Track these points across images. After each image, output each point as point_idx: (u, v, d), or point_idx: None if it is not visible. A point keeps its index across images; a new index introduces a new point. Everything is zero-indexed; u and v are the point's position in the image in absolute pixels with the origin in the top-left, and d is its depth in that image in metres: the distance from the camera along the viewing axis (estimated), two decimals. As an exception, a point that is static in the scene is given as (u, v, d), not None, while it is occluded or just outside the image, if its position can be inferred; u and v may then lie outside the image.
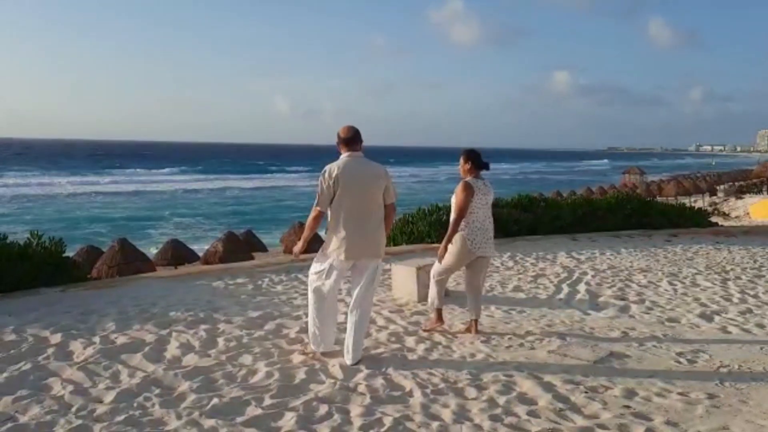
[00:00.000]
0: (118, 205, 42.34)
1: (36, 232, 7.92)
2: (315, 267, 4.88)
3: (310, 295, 4.92)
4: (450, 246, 5.45)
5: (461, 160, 5.54)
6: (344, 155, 4.78)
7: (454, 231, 5.40)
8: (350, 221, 4.68)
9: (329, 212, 4.75)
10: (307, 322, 5.11)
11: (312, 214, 4.79)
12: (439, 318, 5.68)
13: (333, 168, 4.69)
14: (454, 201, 5.44)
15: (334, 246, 4.71)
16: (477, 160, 5.50)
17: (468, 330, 5.61)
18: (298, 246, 5.06)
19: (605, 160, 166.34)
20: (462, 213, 5.37)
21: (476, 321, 5.61)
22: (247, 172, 79.03)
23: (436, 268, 5.62)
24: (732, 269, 8.81)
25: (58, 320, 5.91)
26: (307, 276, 7.84)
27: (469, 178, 5.46)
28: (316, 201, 4.74)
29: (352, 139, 4.78)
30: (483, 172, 5.57)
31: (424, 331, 5.64)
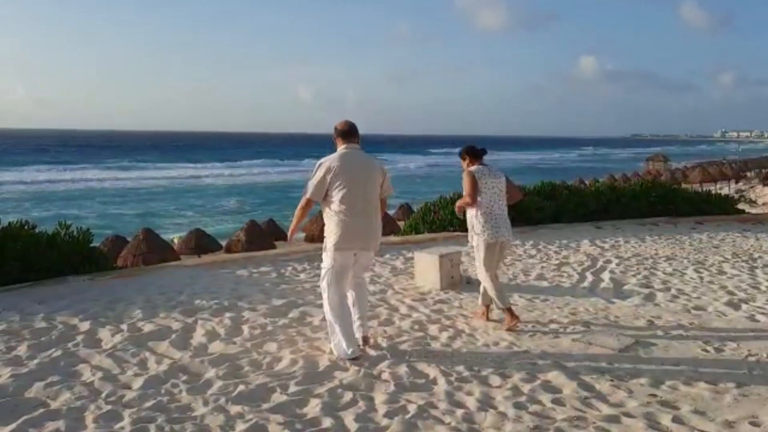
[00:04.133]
0: (141, 197, 42.84)
1: (64, 222, 8.06)
2: (324, 268, 4.78)
3: (326, 302, 4.77)
4: (475, 251, 5.54)
5: (461, 160, 5.74)
6: (342, 148, 4.73)
7: (464, 204, 5.53)
8: (350, 213, 4.61)
9: (328, 205, 4.68)
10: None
11: (301, 203, 4.74)
12: (513, 315, 5.43)
13: (332, 159, 4.64)
14: (465, 191, 5.53)
15: (335, 237, 4.64)
16: (472, 152, 5.68)
17: (479, 315, 5.68)
18: (289, 236, 5.15)
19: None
20: (473, 196, 5.44)
21: (488, 307, 5.68)
22: (268, 162, 79.26)
23: (479, 271, 5.59)
24: (760, 257, 8.67)
25: (86, 308, 6.02)
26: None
27: (471, 167, 5.60)
28: (307, 190, 4.67)
29: (349, 131, 4.75)
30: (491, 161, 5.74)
31: (508, 330, 5.36)
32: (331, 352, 4.77)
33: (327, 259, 4.73)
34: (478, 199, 5.42)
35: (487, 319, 5.65)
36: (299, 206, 4.77)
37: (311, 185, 4.65)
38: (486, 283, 5.51)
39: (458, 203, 5.63)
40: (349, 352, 4.63)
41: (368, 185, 4.70)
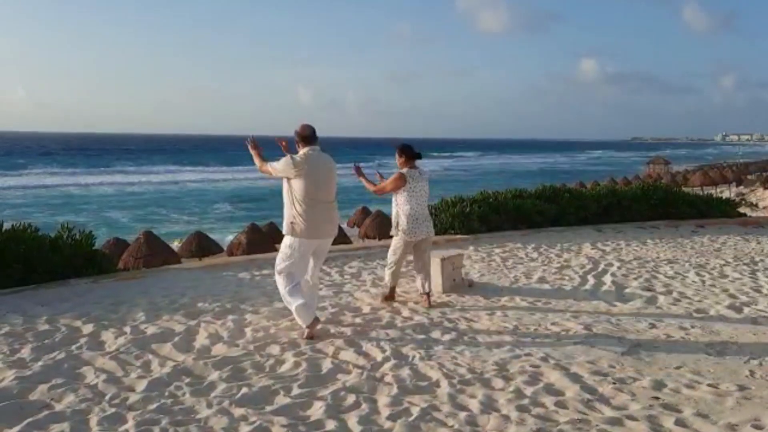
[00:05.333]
0: (142, 200, 42.86)
1: (66, 225, 8.07)
2: (285, 260, 5.25)
3: (285, 284, 5.26)
4: (393, 241, 6.25)
5: (396, 155, 6.22)
6: (306, 149, 5.23)
7: (372, 188, 6.28)
8: (317, 207, 5.18)
9: (296, 198, 5.14)
10: (287, 307, 5.42)
11: (265, 166, 5.31)
12: (392, 295, 6.39)
13: (301, 157, 5.17)
14: (387, 181, 6.25)
15: (305, 227, 5.15)
16: (409, 153, 6.19)
17: (424, 302, 6.25)
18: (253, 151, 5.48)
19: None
20: (383, 191, 6.23)
21: (429, 294, 6.25)
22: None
23: (391, 256, 6.27)
24: (761, 260, 8.69)
25: (89, 311, 6.03)
26: (330, 267, 7.91)
27: (404, 170, 6.14)
28: (276, 164, 5.20)
29: (311, 135, 5.28)
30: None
31: (383, 302, 6.31)
32: (334, 356, 4.81)
33: (292, 246, 5.21)
34: (408, 201, 6.04)
35: (393, 298, 6.34)
36: (263, 164, 5.35)
37: (279, 166, 5.17)
38: (393, 268, 6.24)
39: (374, 188, 6.27)
40: (308, 324, 5.20)
41: (330, 181, 5.30)
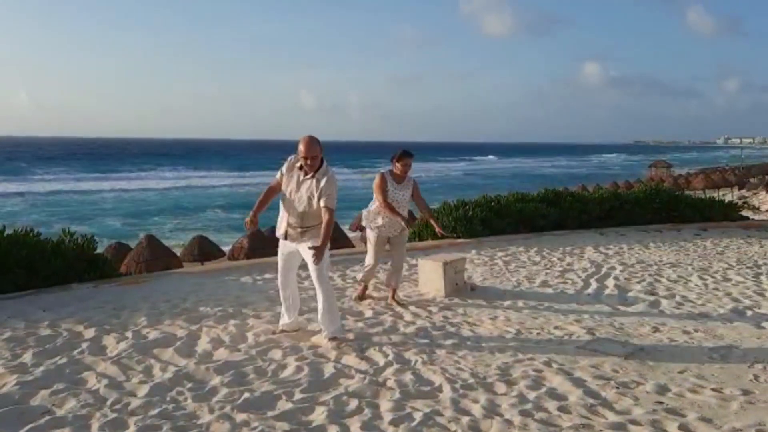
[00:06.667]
0: (145, 204, 42.92)
1: (68, 229, 8.06)
2: (327, 262, 5.27)
3: (330, 289, 5.33)
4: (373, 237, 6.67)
5: (409, 161, 6.38)
6: (326, 162, 5.23)
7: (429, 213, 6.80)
8: None
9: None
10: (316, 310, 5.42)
11: (332, 219, 5.07)
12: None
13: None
14: (417, 194, 6.55)
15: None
16: None
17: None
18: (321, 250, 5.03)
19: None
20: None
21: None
22: (274, 172, 78.93)
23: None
24: (764, 263, 8.66)
25: (91, 315, 6.02)
26: (333, 272, 7.91)
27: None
28: (334, 205, 5.08)
29: None
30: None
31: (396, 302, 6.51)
32: (336, 360, 4.79)
33: (327, 253, 5.21)
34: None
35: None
36: (330, 222, 5.03)
37: (335, 200, 5.12)
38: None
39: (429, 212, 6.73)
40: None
41: None
